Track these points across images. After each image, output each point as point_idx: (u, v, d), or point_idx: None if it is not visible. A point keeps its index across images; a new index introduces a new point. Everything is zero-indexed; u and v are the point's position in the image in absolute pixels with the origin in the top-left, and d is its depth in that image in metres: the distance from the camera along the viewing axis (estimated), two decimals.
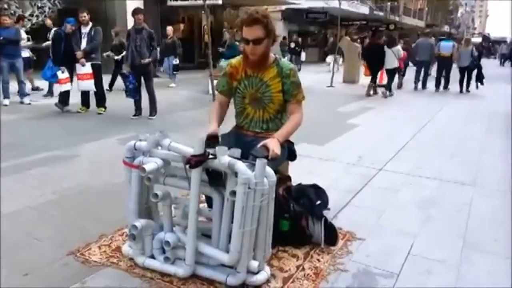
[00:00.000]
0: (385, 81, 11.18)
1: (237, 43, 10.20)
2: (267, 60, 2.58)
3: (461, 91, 11.95)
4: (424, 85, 12.48)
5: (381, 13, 30.42)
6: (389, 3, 32.43)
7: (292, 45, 20.12)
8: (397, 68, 11.15)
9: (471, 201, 3.60)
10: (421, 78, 12.44)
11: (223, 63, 9.48)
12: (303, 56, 20.85)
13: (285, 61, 2.66)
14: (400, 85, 12.54)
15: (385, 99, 10.47)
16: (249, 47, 2.47)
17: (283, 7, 22.17)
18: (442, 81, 12.25)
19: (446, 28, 47.54)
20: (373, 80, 10.92)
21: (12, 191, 3.56)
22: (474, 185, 4.02)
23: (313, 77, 13.98)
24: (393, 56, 10.70)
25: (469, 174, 4.34)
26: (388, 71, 10.87)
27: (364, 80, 13.15)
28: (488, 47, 32.13)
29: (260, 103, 2.62)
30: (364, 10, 26.81)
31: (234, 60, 2.71)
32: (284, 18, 23.50)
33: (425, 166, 4.59)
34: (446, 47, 11.90)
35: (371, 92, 10.89)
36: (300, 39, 21.71)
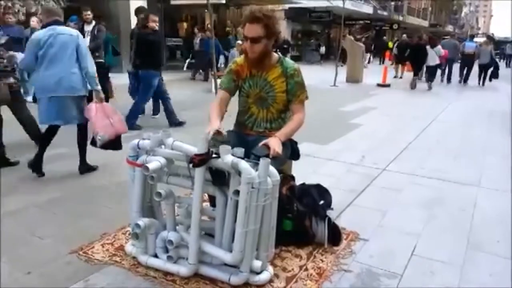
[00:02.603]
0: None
1: None
2: (268, 60, 2.57)
3: (478, 84, 13.85)
4: (449, 80, 14.43)
5: (385, 13, 30.33)
6: (392, 3, 32.33)
7: None
8: (438, 65, 12.98)
9: (475, 201, 3.59)
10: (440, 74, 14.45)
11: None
12: None
13: (289, 60, 2.64)
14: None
15: (392, 97, 10.58)
16: (247, 45, 2.48)
17: (287, 6, 22.12)
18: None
19: (450, 28, 47.41)
20: (416, 74, 12.81)
21: (16, 188, 3.57)
22: (478, 186, 4.00)
23: (316, 76, 13.94)
24: (434, 55, 12.47)
25: (473, 174, 4.32)
26: (430, 67, 12.66)
27: (365, 79, 13.39)
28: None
29: (264, 103, 2.62)
30: (368, 9, 26.73)
31: (239, 59, 2.70)
32: (288, 17, 23.48)
33: (429, 166, 4.58)
34: (470, 46, 13.89)
35: (413, 86, 12.42)
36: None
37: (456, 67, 14.76)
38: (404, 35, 17.46)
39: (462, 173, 4.34)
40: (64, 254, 2.52)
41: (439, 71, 13.91)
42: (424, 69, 13.22)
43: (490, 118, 7.83)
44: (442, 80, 14.44)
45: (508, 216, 3.28)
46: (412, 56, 12.99)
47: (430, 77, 12.68)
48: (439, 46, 13.05)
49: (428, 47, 12.49)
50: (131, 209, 2.42)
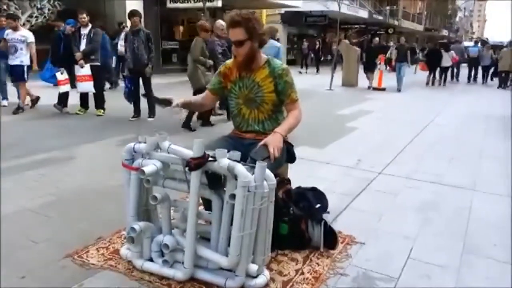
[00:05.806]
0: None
1: None
2: (256, 61, 2.57)
3: (483, 82, 17.02)
4: (457, 78, 17.66)
5: (380, 17, 30.52)
6: (388, 7, 32.54)
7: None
8: (450, 66, 15.83)
9: (471, 205, 3.60)
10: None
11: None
12: None
13: (277, 61, 2.65)
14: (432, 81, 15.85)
15: (388, 100, 10.67)
16: (234, 48, 2.52)
17: (283, 10, 22.21)
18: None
19: (445, 32, 47.68)
20: (433, 74, 15.41)
21: (10, 192, 3.54)
22: (474, 189, 4.01)
23: (312, 80, 13.98)
24: (448, 58, 15.16)
25: (469, 178, 4.33)
26: (444, 68, 15.46)
27: (363, 82, 13.42)
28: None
29: (254, 103, 2.62)
30: (363, 13, 26.90)
31: (229, 61, 2.71)
32: (284, 21, 23.55)
33: (425, 169, 4.59)
34: (473, 51, 17.16)
35: (432, 84, 15.32)
36: None
37: (463, 68, 17.69)
38: (376, 39, 17.41)
39: (458, 177, 4.35)
40: (58, 258, 2.49)
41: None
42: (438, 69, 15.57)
43: (485, 122, 7.86)
44: (452, 79, 17.17)
45: (504, 219, 3.29)
46: (428, 58, 15.57)
47: (445, 75, 15.52)
48: (452, 51, 15.66)
49: (442, 50, 15.10)
50: (127, 212, 2.41)
